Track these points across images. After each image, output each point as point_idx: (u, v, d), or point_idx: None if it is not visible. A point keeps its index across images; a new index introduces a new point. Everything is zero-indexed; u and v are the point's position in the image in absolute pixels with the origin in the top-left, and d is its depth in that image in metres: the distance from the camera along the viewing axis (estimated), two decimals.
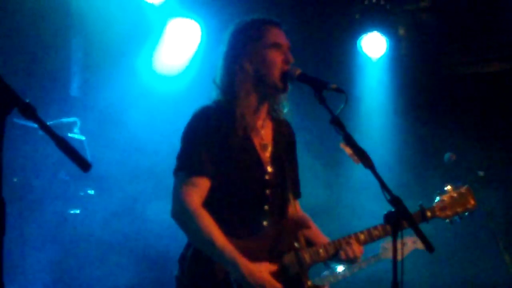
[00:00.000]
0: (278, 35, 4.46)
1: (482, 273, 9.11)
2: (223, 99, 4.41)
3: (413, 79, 9.98)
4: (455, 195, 4.82)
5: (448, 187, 4.84)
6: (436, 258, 8.73)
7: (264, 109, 4.50)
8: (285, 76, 4.34)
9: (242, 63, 4.39)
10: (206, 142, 4.24)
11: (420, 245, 6.87)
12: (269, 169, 4.43)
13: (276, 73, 4.34)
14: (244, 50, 4.42)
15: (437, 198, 4.82)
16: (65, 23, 8.24)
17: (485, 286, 9.05)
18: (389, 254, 6.99)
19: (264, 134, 4.50)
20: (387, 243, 6.98)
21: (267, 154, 4.46)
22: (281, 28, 4.52)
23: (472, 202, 4.83)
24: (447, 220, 4.80)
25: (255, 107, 4.42)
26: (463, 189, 4.85)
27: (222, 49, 4.52)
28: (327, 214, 8.71)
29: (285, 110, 4.59)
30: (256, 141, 4.43)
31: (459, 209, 4.80)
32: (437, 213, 4.75)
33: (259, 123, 4.48)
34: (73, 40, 8.49)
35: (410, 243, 7.22)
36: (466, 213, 4.81)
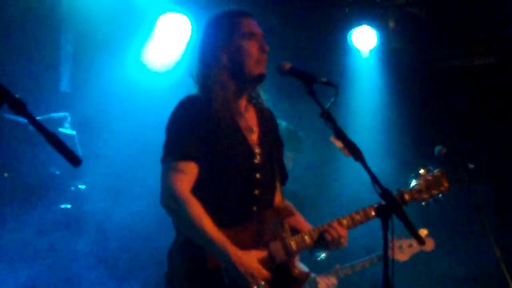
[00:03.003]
0: (252, 25, 4.50)
1: (472, 266, 9.14)
2: (201, 92, 4.44)
3: (403, 72, 10.00)
4: (430, 178, 4.87)
5: (422, 171, 4.89)
6: (426, 251, 8.78)
7: (243, 98, 4.53)
8: (261, 74, 4.40)
9: (218, 55, 4.43)
10: (191, 128, 4.27)
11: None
12: (257, 150, 4.45)
13: (252, 62, 4.38)
14: (219, 42, 4.46)
15: (413, 182, 4.86)
16: (55, 18, 8.23)
17: (475, 280, 9.08)
18: (393, 253, 6.99)
19: (248, 118, 4.52)
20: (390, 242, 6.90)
21: (254, 137, 4.49)
22: (254, 18, 4.54)
23: (446, 184, 4.88)
24: (423, 203, 4.85)
25: (233, 97, 4.45)
26: (437, 172, 4.90)
27: (197, 43, 4.55)
28: (315, 204, 8.76)
29: (264, 97, 4.61)
30: (242, 124, 4.46)
31: (434, 192, 4.85)
32: (415, 195, 4.80)
33: (242, 108, 4.51)
34: (63, 35, 8.47)
35: (415, 244, 7.21)
36: (440, 195, 4.85)
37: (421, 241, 3.51)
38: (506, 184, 9.38)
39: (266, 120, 4.66)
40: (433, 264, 9.42)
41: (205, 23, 4.59)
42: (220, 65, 4.41)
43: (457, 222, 8.74)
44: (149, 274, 8.01)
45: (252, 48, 4.41)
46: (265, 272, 4.15)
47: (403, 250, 7.16)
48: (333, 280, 7.21)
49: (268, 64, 4.45)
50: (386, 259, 3.46)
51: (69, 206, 7.59)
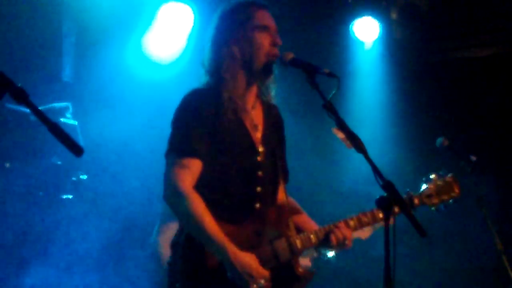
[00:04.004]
0: (266, 18, 4.48)
1: (473, 259, 9.13)
2: (211, 82, 4.42)
3: (406, 63, 9.97)
4: (440, 183, 4.87)
5: (433, 176, 4.90)
6: (428, 243, 8.78)
7: (253, 92, 4.53)
8: (270, 63, 4.38)
9: (230, 46, 4.43)
10: (196, 124, 4.26)
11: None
12: (261, 149, 4.45)
13: (262, 55, 4.37)
14: (231, 33, 4.45)
15: (423, 186, 4.86)
16: (57, 8, 8.21)
17: (476, 272, 9.07)
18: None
19: (254, 115, 4.52)
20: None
21: (258, 134, 4.49)
22: (269, 10, 4.53)
23: (457, 190, 4.89)
24: (433, 208, 4.86)
25: (243, 89, 4.45)
26: (448, 178, 4.90)
27: (209, 32, 4.54)
28: (318, 198, 8.75)
29: (273, 93, 4.60)
30: (247, 122, 4.46)
31: (444, 197, 4.86)
32: (424, 200, 4.80)
33: (249, 105, 4.50)
34: (65, 25, 8.45)
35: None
36: (451, 201, 4.85)
37: (422, 233, 3.49)
38: (509, 176, 9.37)
39: (272, 117, 4.67)
40: (435, 257, 9.41)
41: (220, 12, 4.58)
42: (232, 56, 4.42)
43: (459, 215, 8.72)
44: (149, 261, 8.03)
45: (263, 41, 4.40)
46: (264, 271, 4.15)
47: (364, 228, 7.06)
48: (306, 262, 7.13)
49: None
50: (387, 251, 3.44)
51: (70, 196, 7.59)
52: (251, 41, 4.40)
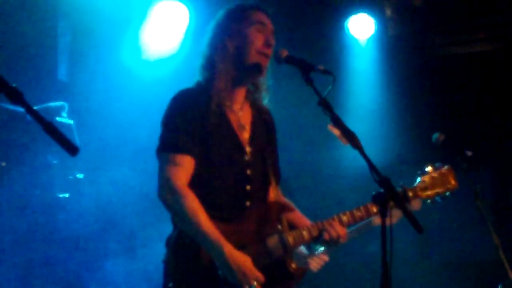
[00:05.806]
0: (263, 18, 4.53)
1: (470, 253, 9.15)
2: (203, 77, 4.47)
3: (401, 60, 9.98)
4: (436, 175, 4.82)
5: (429, 168, 4.84)
6: (425, 238, 8.79)
7: (241, 93, 4.56)
8: (260, 62, 4.42)
9: (224, 41, 4.48)
10: (186, 122, 4.29)
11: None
12: (248, 149, 4.47)
13: (254, 52, 4.41)
14: (227, 30, 4.50)
15: (418, 179, 4.82)
16: (53, 6, 8.20)
17: (473, 266, 9.09)
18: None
19: (242, 116, 4.54)
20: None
21: (245, 135, 4.51)
22: (267, 14, 4.56)
23: (453, 182, 4.83)
24: (429, 201, 4.81)
25: (232, 87, 4.48)
26: (444, 169, 4.85)
27: (208, 31, 4.59)
28: (307, 190, 8.76)
29: (265, 102, 4.63)
30: (233, 121, 4.48)
31: (440, 189, 4.79)
32: (419, 193, 4.76)
33: (236, 105, 4.53)
34: (60, 24, 8.45)
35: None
36: (447, 193, 4.82)
37: (419, 228, 3.49)
38: (504, 171, 9.39)
39: (262, 120, 4.69)
40: (432, 251, 9.43)
41: (218, 14, 4.62)
42: (225, 51, 4.46)
43: (455, 209, 8.74)
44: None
45: (256, 38, 4.44)
46: (258, 273, 4.14)
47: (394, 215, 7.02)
48: (324, 257, 7.06)
49: None
50: (384, 246, 3.44)
51: (67, 195, 7.59)
52: (245, 37, 4.43)
